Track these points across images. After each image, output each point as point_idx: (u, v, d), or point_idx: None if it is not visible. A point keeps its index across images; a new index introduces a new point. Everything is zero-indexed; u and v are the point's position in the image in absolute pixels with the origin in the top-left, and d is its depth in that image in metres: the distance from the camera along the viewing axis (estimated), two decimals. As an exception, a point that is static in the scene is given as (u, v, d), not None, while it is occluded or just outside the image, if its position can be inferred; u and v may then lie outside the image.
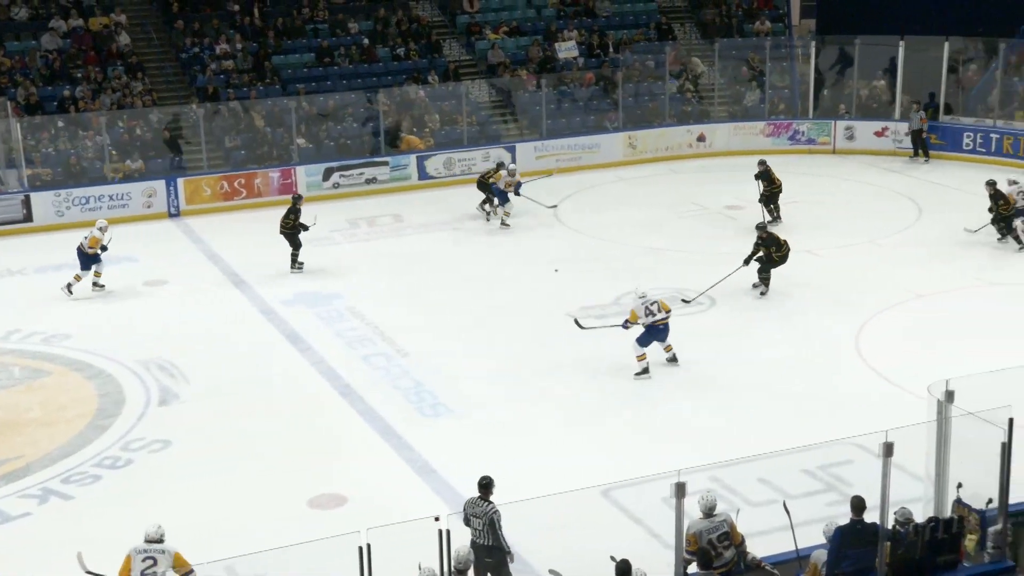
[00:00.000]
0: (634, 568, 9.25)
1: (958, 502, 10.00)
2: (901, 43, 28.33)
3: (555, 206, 23.93)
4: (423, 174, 26.94)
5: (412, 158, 26.92)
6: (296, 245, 20.79)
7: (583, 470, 12.70)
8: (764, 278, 18.89)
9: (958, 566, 9.78)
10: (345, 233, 23.35)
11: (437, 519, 8.82)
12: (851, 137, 28.78)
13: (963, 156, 27.48)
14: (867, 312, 17.99)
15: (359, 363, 16.79)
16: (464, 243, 22.53)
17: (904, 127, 28.18)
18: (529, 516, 10.39)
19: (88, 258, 19.76)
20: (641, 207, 24.46)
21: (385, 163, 26.73)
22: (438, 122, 28.31)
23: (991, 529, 9.87)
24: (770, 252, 18.69)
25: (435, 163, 27.08)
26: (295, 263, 20.83)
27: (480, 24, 31.39)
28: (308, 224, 20.81)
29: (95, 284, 19.97)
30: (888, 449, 9.16)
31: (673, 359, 16.21)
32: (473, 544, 10.25)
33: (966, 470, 10.00)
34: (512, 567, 10.39)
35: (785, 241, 18.95)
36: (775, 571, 10.16)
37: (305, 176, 26.03)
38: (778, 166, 27.31)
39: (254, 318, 18.80)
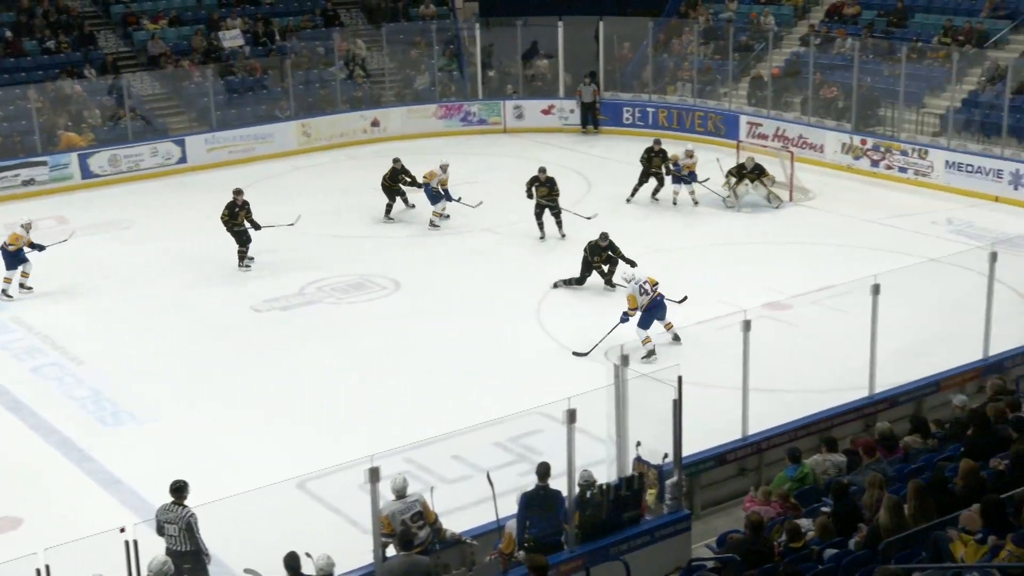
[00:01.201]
0: (319, 554, 9.29)
1: (638, 459, 10.48)
2: (560, 23, 29.42)
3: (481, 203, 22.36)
4: (87, 173, 25.61)
5: (73, 156, 25.51)
6: (243, 242, 19.68)
7: (277, 465, 12.42)
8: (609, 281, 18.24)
9: (641, 520, 10.28)
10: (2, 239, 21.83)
11: (123, 530, 8.42)
12: (520, 116, 29.66)
13: (624, 130, 28.91)
14: (546, 285, 18.58)
15: (28, 375, 15.83)
16: (134, 243, 21.57)
17: (569, 104, 29.33)
18: (225, 516, 10.10)
19: (12, 257, 18.70)
20: (319, 195, 24.24)
21: (44, 163, 25.22)
22: (99, 118, 26.98)
23: (668, 482, 10.42)
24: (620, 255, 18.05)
25: (99, 161, 25.79)
26: (242, 260, 19.72)
27: (137, 14, 30.08)
28: (262, 224, 19.86)
29: (22, 286, 18.83)
30: (571, 416, 9.47)
31: (676, 338, 15.79)
32: (169, 552, 9.90)
33: (644, 428, 10.50)
34: (210, 569, 10.10)
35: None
36: (474, 543, 10.35)
37: (-47, 180, 24.26)
38: (453, 147, 27.87)
39: (-96, 337, 17.33)
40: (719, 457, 12.35)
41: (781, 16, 30.15)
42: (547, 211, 20.61)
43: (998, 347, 14.32)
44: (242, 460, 13.12)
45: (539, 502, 9.95)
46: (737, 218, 22.09)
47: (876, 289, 12.85)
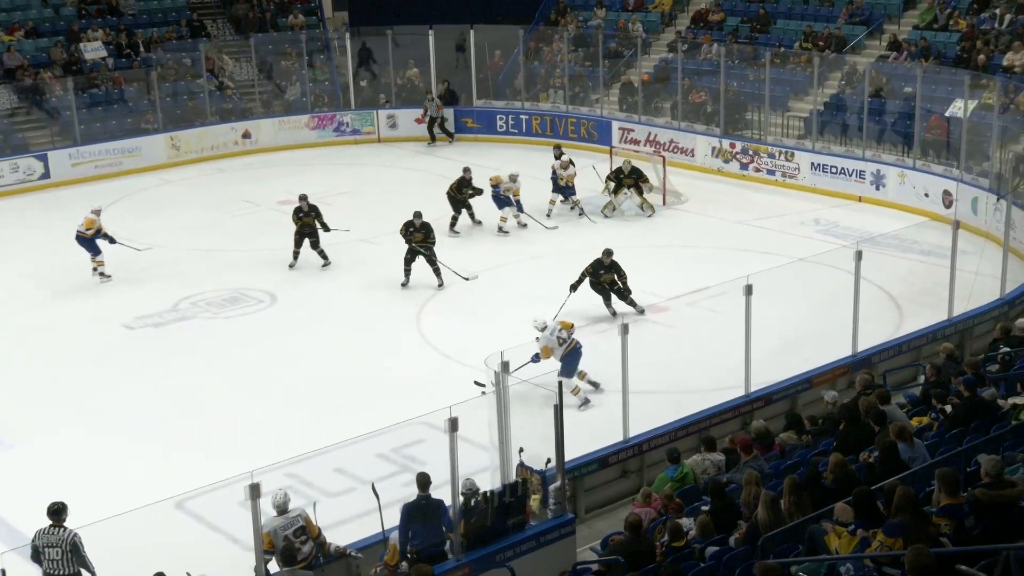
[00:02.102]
0: (199, 573, 9.19)
1: (521, 465, 10.50)
2: (431, 32, 29.39)
3: (556, 228, 21.97)
4: (-58, 190, 24.76)
5: (-76, 174, 24.64)
6: (315, 243, 19.96)
7: (154, 485, 12.14)
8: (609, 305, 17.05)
9: (526, 526, 10.30)
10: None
11: (-8, 561, 8.15)
12: (394, 125, 29.53)
13: (499, 137, 29.08)
14: (425, 293, 18.54)
15: None
16: (1, 259, 20.90)
17: (444, 113, 29.32)
18: (102, 539, 9.88)
19: (90, 242, 19.32)
20: (190, 209, 23.79)
21: None
22: (-47, 132, 26.09)
23: (552, 487, 10.44)
24: (613, 279, 16.94)
25: (-45, 177, 24.96)
26: (295, 258, 20.06)
27: (-10, 26, 29.14)
28: (332, 227, 20.00)
29: (97, 271, 19.51)
30: (453, 424, 9.45)
31: (595, 385, 14.46)
32: None
33: (526, 434, 10.51)
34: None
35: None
36: (359, 555, 10.27)
37: None
38: (326, 158, 27.69)
39: None
40: (601, 460, 12.46)
41: (648, 23, 30.63)
42: (421, 258, 18.91)
43: (866, 343, 14.76)
44: (117, 482, 12.78)
45: (421, 512, 9.93)
46: (611, 224, 22.30)
47: (749, 290, 13.11)
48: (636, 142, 26.73)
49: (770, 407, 13.74)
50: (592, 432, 12.60)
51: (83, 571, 9.90)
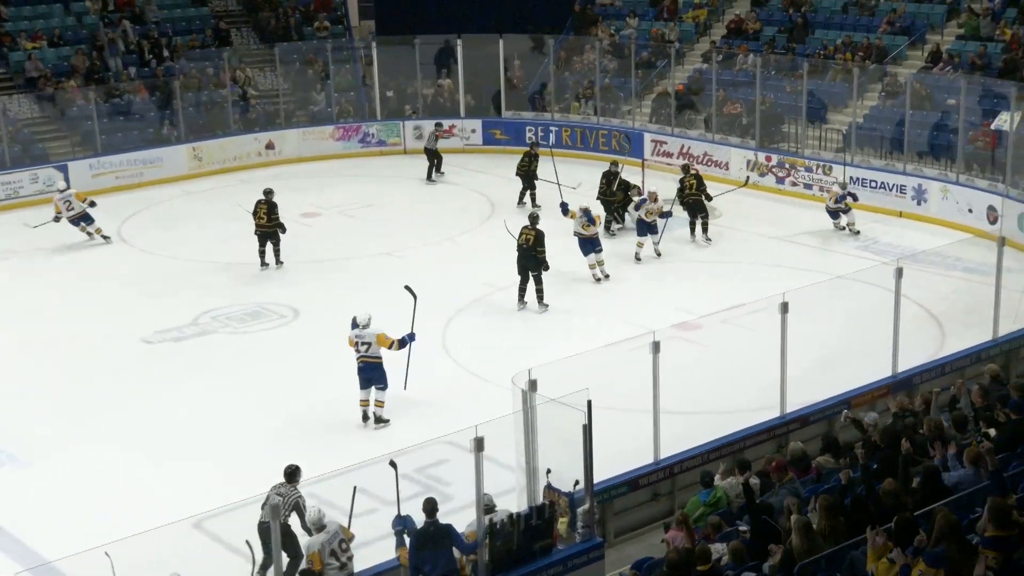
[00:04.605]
0: None
1: (548, 487, 10.19)
2: (459, 41, 29.02)
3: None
4: (-39, 201, 24.51)
5: (-54, 184, 24.41)
6: (276, 241, 20.25)
7: (172, 504, 11.81)
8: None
9: (553, 550, 9.98)
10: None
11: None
12: (420, 137, 28.86)
13: (527, 149, 28.50)
14: (451, 309, 18.15)
15: None
16: (21, 273, 20.69)
17: (472, 123, 28.95)
18: (119, 559, 9.41)
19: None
20: (211, 221, 23.47)
21: (-89, 191, 24.10)
22: (-27, 143, 25.85)
23: (580, 509, 10.18)
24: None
25: (-27, 188, 24.71)
26: (270, 259, 20.27)
27: (12, 33, 28.79)
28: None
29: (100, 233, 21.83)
30: (479, 444, 9.18)
31: (375, 418, 14.49)
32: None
33: (554, 455, 10.22)
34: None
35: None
36: None
37: None
38: (352, 170, 27.38)
39: None
40: (631, 482, 12.13)
41: (682, 32, 30.20)
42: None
43: (906, 363, 14.30)
44: (135, 500, 12.54)
45: (430, 539, 9.69)
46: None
47: (785, 307, 12.77)
48: (669, 155, 26.26)
49: (806, 429, 13.30)
50: (622, 453, 12.19)
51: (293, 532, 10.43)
